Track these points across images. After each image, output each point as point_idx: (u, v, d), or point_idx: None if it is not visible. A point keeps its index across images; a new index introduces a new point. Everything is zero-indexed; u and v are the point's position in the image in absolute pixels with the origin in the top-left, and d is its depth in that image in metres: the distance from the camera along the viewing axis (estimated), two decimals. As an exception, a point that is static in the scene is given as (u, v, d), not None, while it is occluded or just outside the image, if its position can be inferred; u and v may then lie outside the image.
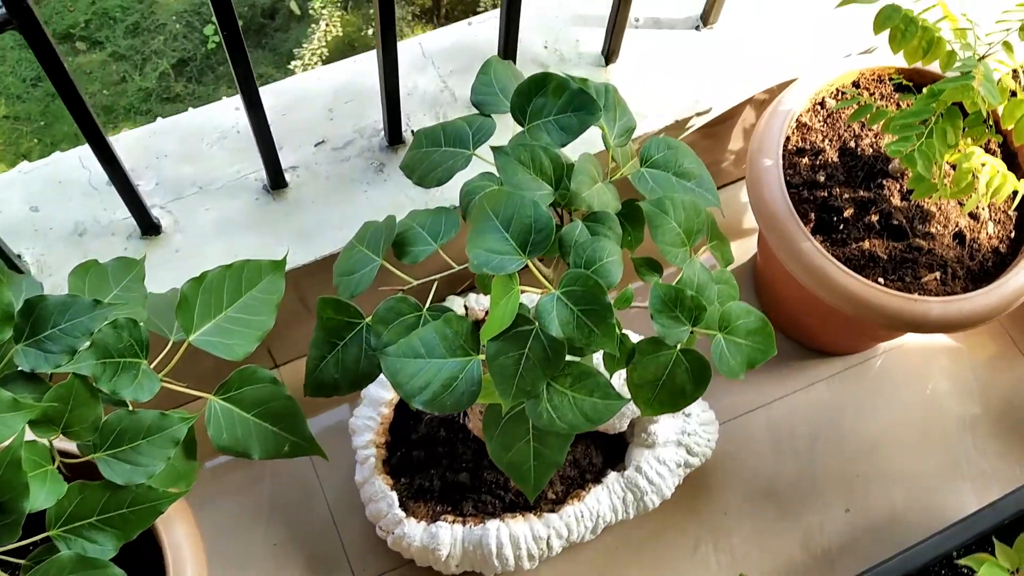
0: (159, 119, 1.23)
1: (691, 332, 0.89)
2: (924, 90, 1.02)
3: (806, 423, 1.39)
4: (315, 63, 3.22)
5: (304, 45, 3.87)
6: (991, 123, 1.03)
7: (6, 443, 0.76)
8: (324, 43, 3.67)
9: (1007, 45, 0.99)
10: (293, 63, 3.80)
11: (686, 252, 0.93)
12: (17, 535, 0.77)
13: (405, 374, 0.88)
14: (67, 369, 0.80)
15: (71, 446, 0.85)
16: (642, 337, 0.94)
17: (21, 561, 0.83)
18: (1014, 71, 1.00)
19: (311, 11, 3.91)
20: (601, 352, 0.92)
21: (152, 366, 0.88)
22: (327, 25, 3.76)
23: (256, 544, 1.29)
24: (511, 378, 0.86)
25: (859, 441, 1.38)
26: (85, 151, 1.17)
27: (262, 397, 0.93)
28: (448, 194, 1.20)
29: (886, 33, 1.03)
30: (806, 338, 1.40)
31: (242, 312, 0.94)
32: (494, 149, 0.92)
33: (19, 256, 1.13)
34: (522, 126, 0.97)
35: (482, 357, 0.87)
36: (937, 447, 1.38)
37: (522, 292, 0.89)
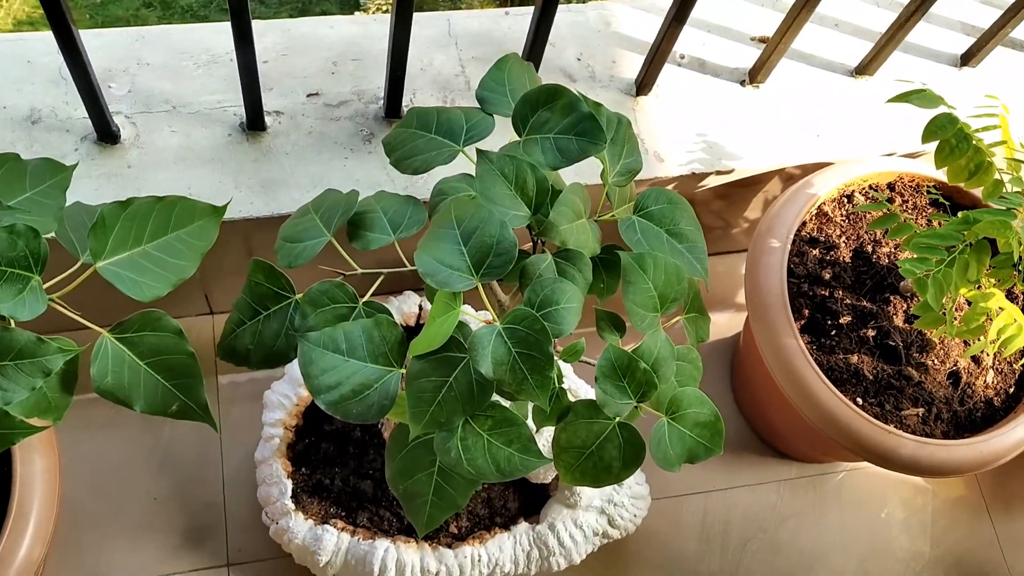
0: (148, 27, 1.14)
1: (635, 407, 0.80)
2: (959, 214, 0.93)
3: (743, 522, 1.30)
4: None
5: (360, 10, 3.78)
6: (1021, 269, 0.94)
7: None
8: (381, 10, 3.58)
9: (1061, 187, 0.90)
10: (356, 13, 3.71)
11: (655, 319, 0.84)
12: None
13: (318, 366, 0.79)
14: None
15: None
16: (582, 397, 0.85)
17: None
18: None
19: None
20: (532, 404, 0.84)
21: (46, 286, 0.80)
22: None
23: (135, 493, 1.20)
24: (427, 404, 0.77)
25: (795, 555, 1.29)
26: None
27: (161, 347, 0.84)
28: (429, 187, 1.11)
29: (935, 143, 0.94)
30: (768, 435, 1.31)
31: (162, 252, 0.84)
32: (478, 152, 0.83)
33: (-43, 126, 1.04)
34: (519, 136, 0.88)
35: (403, 372, 0.79)
36: (873, 582, 1.30)
37: (466, 315, 0.80)
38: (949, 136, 0.89)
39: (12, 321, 0.81)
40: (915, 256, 0.90)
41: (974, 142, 0.89)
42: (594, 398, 0.81)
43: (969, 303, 0.96)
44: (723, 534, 1.28)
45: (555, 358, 0.77)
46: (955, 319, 0.96)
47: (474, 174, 0.86)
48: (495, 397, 0.80)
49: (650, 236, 0.89)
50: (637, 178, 0.95)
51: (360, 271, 0.87)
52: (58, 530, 1.01)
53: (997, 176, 0.91)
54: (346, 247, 0.88)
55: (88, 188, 1.04)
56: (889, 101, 0.93)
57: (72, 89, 1.09)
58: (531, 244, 0.89)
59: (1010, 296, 1.12)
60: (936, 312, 0.92)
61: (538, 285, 0.79)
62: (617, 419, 0.80)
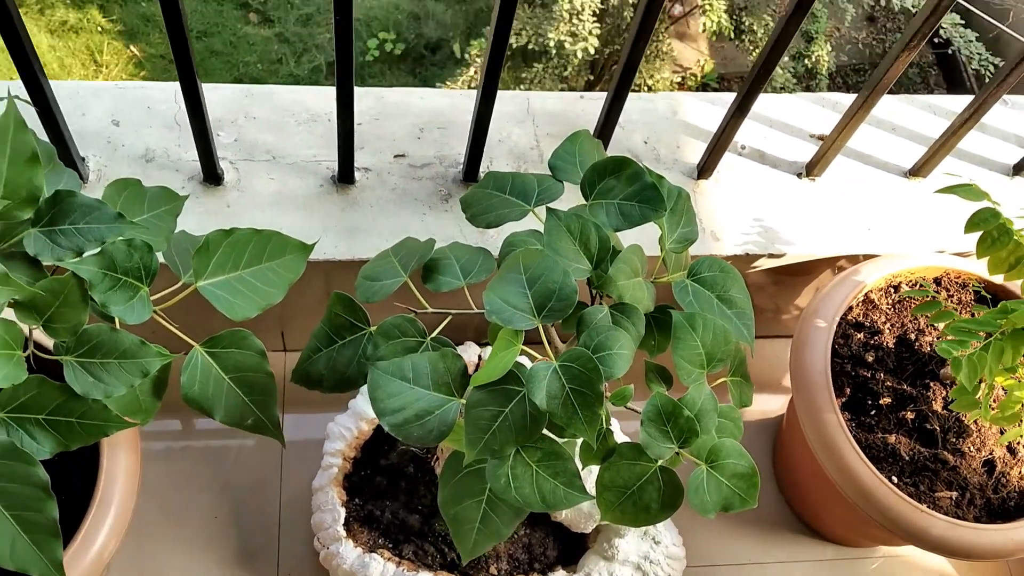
0: (258, 85, 1.26)
1: (676, 453, 0.85)
2: (1000, 304, 0.98)
3: (776, 599, 1.31)
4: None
5: (448, 83, 3.99)
6: (1055, 360, 0.98)
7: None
8: (469, 86, 3.79)
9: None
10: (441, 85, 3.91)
11: (701, 375, 0.89)
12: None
13: (385, 391, 0.86)
14: (69, 266, 0.80)
15: (50, 344, 0.85)
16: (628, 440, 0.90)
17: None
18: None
19: (467, 56, 4.04)
20: (580, 442, 0.89)
21: (152, 298, 0.88)
22: (475, 72, 3.87)
23: (198, 509, 1.26)
24: (483, 431, 0.83)
25: (824, 638, 1.30)
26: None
27: (245, 364, 0.92)
28: (498, 243, 1.19)
29: (978, 235, 0.99)
30: (807, 515, 1.33)
31: (255, 278, 0.93)
32: (548, 209, 0.91)
33: (83, 159, 1.15)
34: (586, 200, 0.96)
35: (463, 402, 0.85)
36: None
37: (525, 354, 0.87)
38: (991, 228, 0.95)
39: (119, 324, 0.90)
40: (952, 338, 0.94)
41: (1015, 236, 0.95)
42: (636, 443, 0.86)
43: (1005, 391, 0.99)
44: (755, 609, 1.30)
45: (605, 398, 0.83)
46: (992, 406, 1.00)
47: (542, 231, 0.94)
48: (546, 432, 0.86)
49: (701, 299, 0.95)
50: (693, 253, 1.02)
51: (431, 310, 0.95)
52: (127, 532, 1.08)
53: (1035, 270, 0.96)
54: (419, 288, 0.95)
55: (191, 221, 1.14)
56: (937, 192, 0.99)
57: (184, 134, 1.21)
58: (590, 299, 0.96)
59: None
60: (971, 396, 0.95)
61: (594, 331, 0.85)
62: (659, 463, 0.85)
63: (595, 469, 0.90)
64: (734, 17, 4.21)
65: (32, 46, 1.00)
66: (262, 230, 0.94)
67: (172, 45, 0.98)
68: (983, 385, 0.95)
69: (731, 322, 0.95)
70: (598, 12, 3.87)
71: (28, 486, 0.80)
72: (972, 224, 0.96)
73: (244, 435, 1.33)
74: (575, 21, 3.81)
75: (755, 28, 4.09)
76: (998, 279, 1.05)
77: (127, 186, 0.92)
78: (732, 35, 4.16)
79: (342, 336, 0.96)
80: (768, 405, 1.45)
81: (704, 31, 4.19)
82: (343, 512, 1.15)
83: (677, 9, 4.58)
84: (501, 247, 0.96)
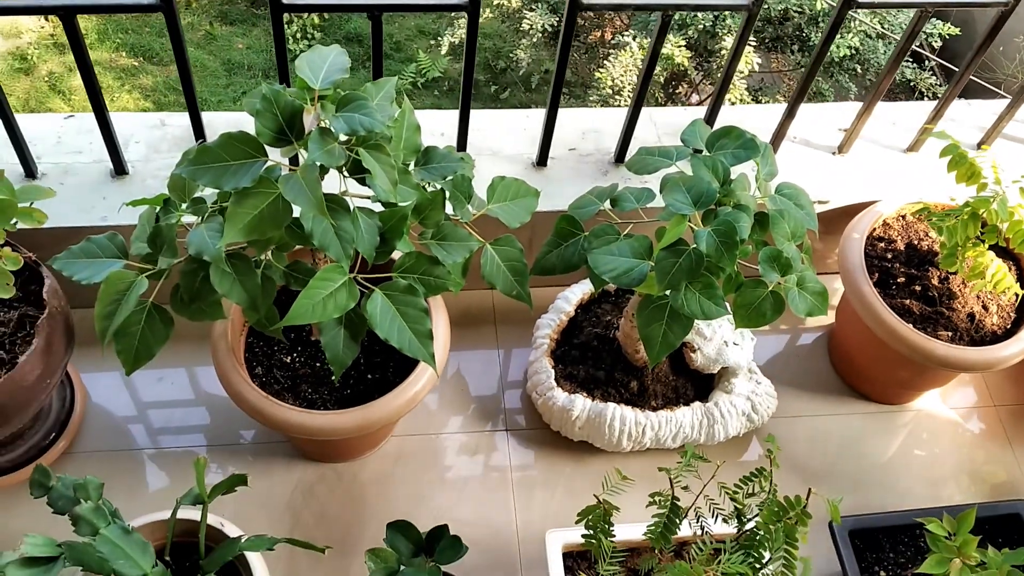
0: (483, 111, 1.89)
1: (779, 281, 1.44)
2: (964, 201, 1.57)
3: (839, 434, 1.83)
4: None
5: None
6: (1001, 232, 1.55)
7: (402, 208, 1.38)
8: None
9: (1022, 191, 1.53)
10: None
11: (790, 244, 1.49)
12: (386, 259, 1.37)
13: (603, 263, 1.44)
14: (439, 183, 1.42)
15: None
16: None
17: (373, 287, 1.43)
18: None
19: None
20: (723, 279, 1.48)
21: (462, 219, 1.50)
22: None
23: (453, 384, 1.85)
24: (667, 273, 1.41)
25: (872, 460, 1.84)
26: (452, 114, 1.83)
27: (512, 256, 1.50)
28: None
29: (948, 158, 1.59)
30: (856, 380, 1.87)
31: (515, 206, 1.54)
32: (693, 154, 1.52)
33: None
34: (710, 152, 1.57)
35: (650, 263, 1.45)
36: (926, 481, 1.83)
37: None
38: (955, 155, 1.54)
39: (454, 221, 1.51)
40: (936, 220, 1.53)
41: (969, 159, 1.54)
42: (755, 277, 1.45)
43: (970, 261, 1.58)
44: (824, 441, 1.85)
45: (739, 247, 1.42)
46: (965, 268, 1.58)
47: (686, 172, 1.55)
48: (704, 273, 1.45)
49: (785, 204, 1.53)
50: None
51: (619, 220, 1.55)
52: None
53: (983, 180, 1.55)
54: (612, 211, 1.56)
55: (450, 190, 1.76)
56: (925, 135, 1.59)
57: (444, 140, 1.84)
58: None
59: (1006, 255, 1.72)
60: (952, 258, 1.54)
61: (725, 216, 1.45)
62: (770, 287, 1.44)
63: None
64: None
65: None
66: (517, 178, 1.56)
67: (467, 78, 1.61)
68: (959, 252, 1.54)
69: (802, 215, 1.55)
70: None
71: (416, 310, 1.37)
72: (943, 152, 1.55)
73: (475, 343, 1.91)
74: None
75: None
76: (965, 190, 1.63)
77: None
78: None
79: (567, 239, 1.54)
80: (823, 321, 2.03)
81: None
82: (553, 372, 1.74)
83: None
84: (661, 181, 1.57)
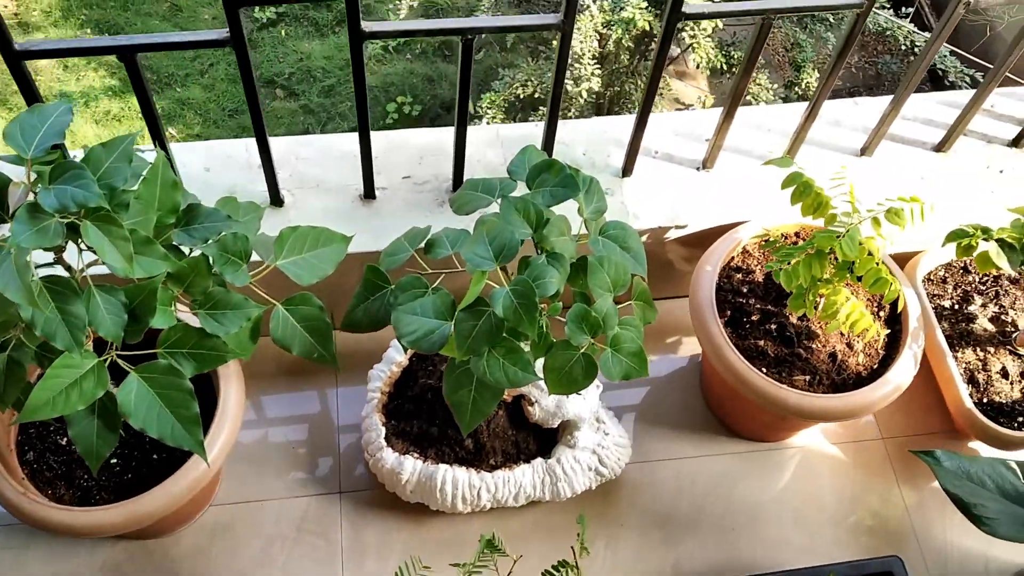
0: (305, 135, 1.70)
1: (591, 342, 1.26)
2: (811, 235, 1.38)
3: (707, 480, 1.70)
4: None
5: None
6: (854, 271, 1.37)
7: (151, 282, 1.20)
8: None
9: (876, 221, 1.34)
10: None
11: (608, 296, 1.31)
12: (139, 338, 1.20)
13: (404, 323, 1.27)
14: (200, 248, 1.24)
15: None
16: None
17: (131, 367, 1.26)
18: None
19: (479, 110, 4.49)
20: (530, 342, 1.31)
21: (249, 272, 1.32)
22: (487, 122, 4.31)
23: (282, 445, 1.69)
24: (466, 338, 1.24)
25: (745, 503, 1.68)
26: (250, 142, 1.65)
27: (310, 315, 1.34)
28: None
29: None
30: (727, 420, 1.72)
31: (314, 258, 1.35)
32: (503, 198, 1.34)
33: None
34: (529, 189, 1.39)
35: (452, 323, 1.27)
36: (802, 528, 1.67)
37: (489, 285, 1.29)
38: (799, 184, 1.36)
39: (228, 286, 1.33)
40: (777, 260, 1.35)
41: (815, 189, 1.35)
42: (565, 339, 1.28)
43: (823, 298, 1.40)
44: (691, 487, 1.69)
45: (542, 309, 1.24)
46: (816, 306, 1.40)
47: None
48: (506, 336, 1.27)
49: (609, 248, 1.36)
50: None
51: (430, 271, 1.37)
52: (228, 458, 1.50)
53: (833, 211, 1.36)
54: (423, 258, 1.38)
55: (265, 231, 1.58)
56: (764, 164, 1.40)
57: (254, 173, 1.65)
58: (535, 252, 1.38)
59: (876, 309, 1.54)
60: (801, 300, 1.36)
61: (534, 268, 1.26)
62: (581, 350, 1.26)
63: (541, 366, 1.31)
64: (723, 51, 4.53)
65: (161, 126, 1.45)
66: (316, 226, 1.38)
67: (251, 113, 1.43)
68: (808, 294, 1.36)
69: (629, 261, 1.37)
70: (597, 56, 4.21)
71: (180, 392, 1.21)
72: (786, 182, 1.37)
73: (312, 388, 1.75)
74: (576, 66, 4.13)
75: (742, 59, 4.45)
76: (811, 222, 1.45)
77: (228, 201, 1.36)
78: (724, 68, 4.46)
79: (373, 293, 1.37)
80: (698, 348, 1.86)
81: (698, 68, 4.52)
82: (384, 430, 1.57)
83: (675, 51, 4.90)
84: (475, 224, 1.39)
